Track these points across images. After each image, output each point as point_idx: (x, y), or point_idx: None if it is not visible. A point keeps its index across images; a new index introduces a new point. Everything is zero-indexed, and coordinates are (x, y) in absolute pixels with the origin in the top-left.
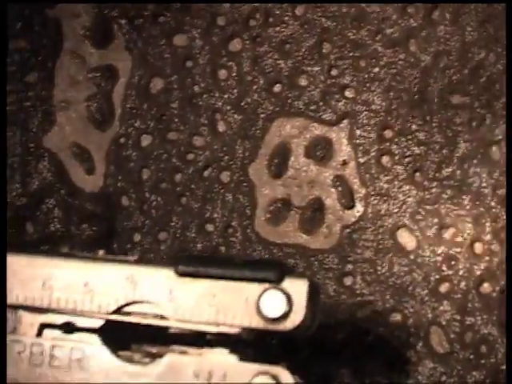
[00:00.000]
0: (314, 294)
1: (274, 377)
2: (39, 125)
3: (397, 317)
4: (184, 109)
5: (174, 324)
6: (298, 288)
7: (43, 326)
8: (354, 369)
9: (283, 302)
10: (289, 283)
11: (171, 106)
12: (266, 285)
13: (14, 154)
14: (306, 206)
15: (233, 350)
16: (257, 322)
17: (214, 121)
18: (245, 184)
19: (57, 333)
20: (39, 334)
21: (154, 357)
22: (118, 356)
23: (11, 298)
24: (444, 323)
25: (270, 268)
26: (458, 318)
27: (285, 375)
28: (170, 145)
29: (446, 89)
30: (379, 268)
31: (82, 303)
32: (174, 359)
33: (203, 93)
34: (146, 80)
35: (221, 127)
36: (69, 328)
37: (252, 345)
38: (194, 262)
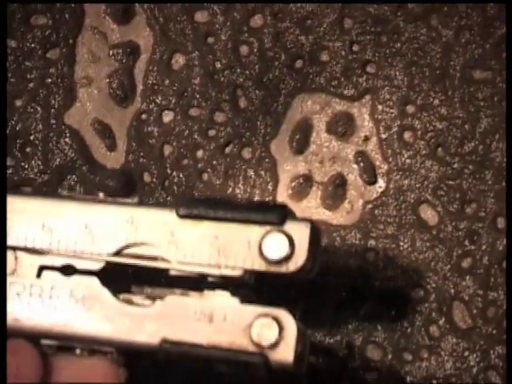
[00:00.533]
0: (315, 237)
1: (275, 319)
2: (61, 101)
3: (419, 292)
4: (205, 85)
5: (175, 266)
6: (300, 230)
7: (42, 268)
8: (376, 343)
9: (285, 245)
10: (291, 226)
11: (193, 82)
12: (269, 227)
13: (35, 131)
14: (327, 182)
15: (234, 293)
16: (259, 264)
17: (235, 97)
18: (266, 160)
19: (56, 275)
20: (38, 275)
21: (155, 299)
22: (118, 298)
23: (11, 240)
24: (467, 298)
25: (272, 210)
26: (481, 293)
27: (286, 317)
28: (191, 121)
29: (467, 64)
30: (401, 243)
31: (83, 245)
32: (174, 301)
33: (225, 69)
34: (167, 56)
35: (242, 103)
36: (68, 270)
37: (253, 288)
38: (196, 204)
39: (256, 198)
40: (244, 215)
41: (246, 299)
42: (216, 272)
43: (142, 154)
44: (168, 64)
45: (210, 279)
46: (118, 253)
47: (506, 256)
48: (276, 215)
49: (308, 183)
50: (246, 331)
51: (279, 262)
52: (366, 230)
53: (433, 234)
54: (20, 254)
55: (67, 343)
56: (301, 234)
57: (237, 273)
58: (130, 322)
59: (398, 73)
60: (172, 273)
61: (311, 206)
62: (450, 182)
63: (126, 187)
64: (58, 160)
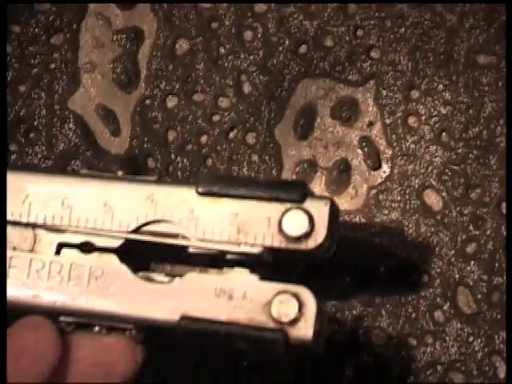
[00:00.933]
0: (334, 214)
1: (295, 295)
2: (65, 87)
3: (424, 277)
4: (209, 70)
5: (194, 243)
6: (320, 208)
7: (61, 246)
8: (381, 328)
9: (305, 222)
10: (311, 203)
11: (197, 68)
12: (289, 205)
13: (39, 117)
14: (332, 167)
15: (253, 270)
16: (279, 241)
17: (239, 82)
18: (271, 145)
19: (75, 252)
20: (57, 253)
21: (174, 276)
22: (137, 275)
23: (30, 217)
24: (471, 283)
25: (292, 188)
26: (485, 278)
27: (305, 294)
28: (195, 106)
29: (472, 48)
30: (406, 229)
31: (102, 222)
32: (194, 278)
33: (229, 54)
34: (171, 41)
35: (246, 88)
36: (87, 247)
37: (272, 266)
38: (216, 181)
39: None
40: (264, 193)
41: (264, 276)
42: (235, 249)
43: (146, 139)
44: (172, 49)
45: (228, 257)
46: (137, 230)
47: (506, 244)
48: (296, 193)
49: (312, 168)
50: (265, 308)
51: (299, 239)
52: (370, 215)
53: (437, 219)
54: (39, 231)
55: (86, 320)
56: (320, 211)
57: (256, 250)
58: (149, 299)
59: (402, 58)
60: (191, 250)
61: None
62: (455, 167)
63: (130, 173)
64: (62, 145)
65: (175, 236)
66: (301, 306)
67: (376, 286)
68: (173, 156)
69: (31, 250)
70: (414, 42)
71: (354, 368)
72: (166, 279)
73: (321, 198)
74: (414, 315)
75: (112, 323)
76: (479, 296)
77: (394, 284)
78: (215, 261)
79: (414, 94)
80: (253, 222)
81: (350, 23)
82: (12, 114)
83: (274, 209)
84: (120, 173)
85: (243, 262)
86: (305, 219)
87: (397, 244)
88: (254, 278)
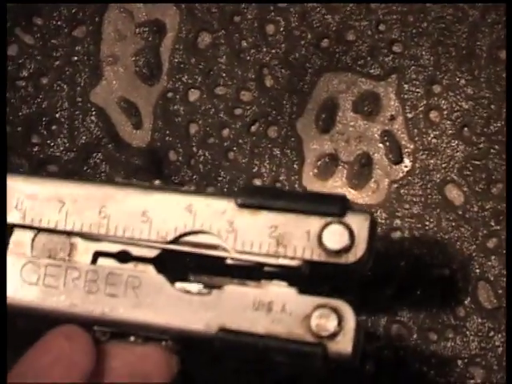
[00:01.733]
0: (373, 229)
1: (334, 309)
2: (87, 79)
3: (445, 272)
4: (232, 63)
5: (233, 255)
6: (360, 222)
7: (98, 254)
8: (402, 322)
9: (346, 236)
10: (351, 217)
11: (219, 61)
12: (329, 218)
13: (61, 109)
14: (353, 161)
15: (292, 283)
16: (318, 255)
17: (261, 76)
18: (292, 139)
19: (111, 261)
20: (93, 262)
21: (212, 287)
22: (175, 286)
23: (67, 225)
24: (492, 278)
25: (332, 201)
26: (506, 273)
27: (344, 308)
28: (217, 99)
29: (494, 44)
30: (427, 223)
31: (140, 232)
32: (232, 290)
33: (251, 48)
34: (193, 34)
35: (268, 82)
36: (123, 257)
37: (310, 279)
38: (256, 193)
39: (282, 178)
40: (304, 206)
41: (303, 289)
42: (274, 262)
43: (167, 132)
44: (194, 42)
45: (267, 269)
46: (175, 240)
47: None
48: (337, 206)
49: (334, 162)
50: (304, 321)
51: (339, 253)
52: (391, 210)
53: (458, 213)
54: (75, 239)
55: (121, 330)
56: (361, 225)
57: (295, 263)
58: (186, 310)
59: (424, 52)
60: (229, 262)
61: (337, 186)
62: (476, 162)
63: (151, 166)
64: (84, 138)
65: (214, 247)
66: (340, 320)
67: (397, 281)
68: (194, 149)
69: (67, 259)
70: (436, 37)
71: (375, 362)
72: (204, 291)
73: (361, 212)
74: (434, 310)
75: (148, 333)
76: (500, 291)
77: (415, 278)
78: (253, 273)
79: (436, 88)
80: (292, 235)
81: (372, 18)
82: (34, 106)
83: (313, 222)
84: (157, 182)
85: (282, 275)
86: (345, 233)
87: (418, 238)
88: (292, 291)
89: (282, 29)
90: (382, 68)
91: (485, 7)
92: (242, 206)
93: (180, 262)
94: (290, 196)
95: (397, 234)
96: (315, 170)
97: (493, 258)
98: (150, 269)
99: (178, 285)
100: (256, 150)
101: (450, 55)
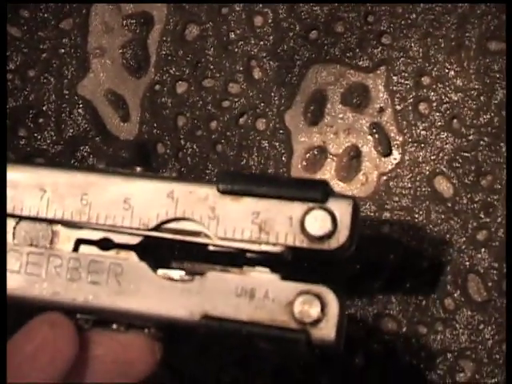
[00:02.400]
0: (356, 214)
1: (317, 295)
2: (74, 72)
3: (434, 265)
4: (220, 56)
5: (215, 242)
6: (342, 208)
7: (80, 242)
8: (391, 316)
9: (328, 222)
10: (334, 203)
11: (207, 53)
12: (311, 204)
13: (48, 102)
14: (342, 154)
15: (274, 269)
16: (301, 241)
17: (249, 68)
18: (281, 131)
19: (93, 249)
20: (75, 249)
21: (194, 274)
22: (157, 273)
23: (49, 213)
24: (482, 271)
25: (315, 187)
26: (496, 265)
27: (328, 294)
28: (205, 92)
29: (483, 35)
30: (416, 216)
31: (122, 219)
32: (215, 276)
33: (239, 40)
34: (181, 27)
35: (256, 74)
36: (106, 244)
37: (292, 265)
38: (238, 179)
39: (270, 170)
40: (286, 192)
41: (286, 276)
42: (257, 248)
43: (155, 124)
44: (182, 34)
45: (249, 255)
46: (157, 227)
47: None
48: (319, 192)
49: (322, 155)
50: (287, 308)
51: (321, 239)
52: (380, 202)
53: (448, 206)
54: (57, 227)
55: (104, 318)
56: (343, 211)
57: (278, 249)
58: (169, 297)
59: (413, 44)
60: (211, 248)
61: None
62: (466, 154)
63: (139, 158)
64: (71, 131)
65: (196, 234)
66: (323, 306)
67: (386, 274)
68: (182, 142)
69: (49, 247)
70: (425, 28)
71: (364, 356)
72: (186, 277)
73: (343, 197)
74: (424, 303)
75: (131, 321)
76: (490, 284)
77: (404, 271)
78: (236, 259)
79: (425, 80)
80: (275, 221)
81: (360, 9)
82: (21, 99)
83: (296, 208)
84: (138, 169)
85: (264, 261)
86: (327, 219)
87: (407, 231)
88: (275, 278)
89: (270, 20)
90: (370, 60)
91: None
92: (223, 192)
93: (162, 249)
94: (273, 182)
95: (386, 227)
96: (304, 163)
97: (482, 250)
98: (133, 256)
99: (161, 272)
100: (244, 142)
101: (439, 47)
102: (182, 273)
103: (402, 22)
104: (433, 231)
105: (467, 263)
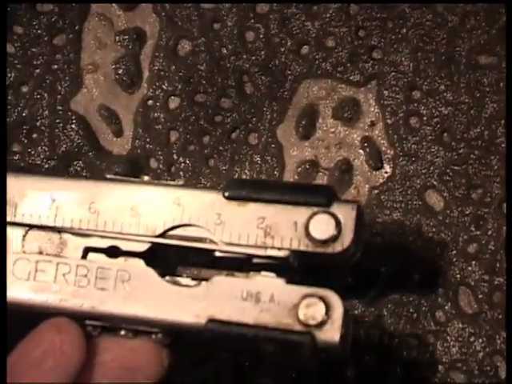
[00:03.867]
0: (361, 218)
1: (322, 298)
2: (67, 88)
3: (425, 278)
4: (212, 71)
5: (221, 247)
6: (346, 212)
7: (88, 250)
8: (382, 328)
9: (332, 226)
10: (338, 207)
11: (199, 68)
12: (316, 208)
13: (42, 117)
14: (333, 168)
15: (280, 274)
16: (305, 245)
17: (241, 83)
18: (273, 146)
19: (101, 256)
20: (84, 257)
21: (201, 280)
22: (164, 279)
23: (57, 221)
24: (473, 283)
25: (319, 192)
26: (487, 278)
27: (332, 297)
28: (197, 107)
29: (473, 49)
30: (407, 229)
31: (129, 226)
32: (220, 281)
33: (231, 55)
34: (173, 42)
35: (248, 89)
36: (113, 252)
37: (298, 270)
38: (242, 185)
39: None
40: (290, 197)
41: (291, 280)
42: (262, 253)
43: (148, 139)
44: (174, 50)
45: (255, 260)
46: (164, 234)
47: (506, 242)
48: (323, 196)
49: (314, 169)
50: (292, 311)
51: (326, 243)
52: (372, 216)
53: (439, 219)
54: (66, 235)
55: (112, 324)
56: (347, 215)
57: (283, 254)
58: (175, 303)
59: (403, 58)
60: (218, 254)
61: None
62: (456, 168)
63: (132, 173)
64: (65, 146)
65: (202, 240)
66: (328, 309)
67: (377, 286)
68: (175, 156)
69: (58, 254)
70: (416, 43)
71: (356, 368)
72: (193, 283)
73: (348, 201)
74: (415, 315)
75: (138, 327)
76: (480, 296)
77: (396, 284)
78: (242, 264)
79: (416, 94)
80: (279, 226)
81: (351, 24)
82: (15, 114)
83: (300, 213)
84: (146, 178)
85: (270, 266)
86: (332, 223)
87: (398, 244)
88: (280, 282)
89: (261, 36)
90: (361, 74)
91: (464, 12)
92: (229, 198)
93: (169, 256)
94: (277, 187)
95: (377, 240)
96: (296, 177)
97: (473, 263)
98: (140, 263)
99: (168, 278)
100: (236, 156)
101: (430, 61)
102: (189, 278)
103: (393, 37)
104: (424, 244)
105: (458, 276)
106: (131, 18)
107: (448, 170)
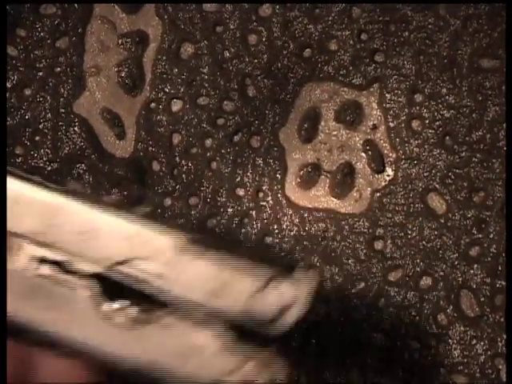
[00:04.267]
0: (316, 288)
1: (264, 364)
2: (70, 90)
3: (427, 280)
4: (214, 74)
5: (168, 296)
6: (304, 281)
7: (42, 261)
8: (384, 331)
9: (288, 294)
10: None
11: (201, 71)
12: (271, 275)
13: (44, 120)
14: (336, 171)
15: (228, 329)
16: (253, 312)
17: (244, 86)
18: (275, 149)
19: (53, 269)
20: (36, 268)
21: (141, 322)
22: (104, 309)
23: (15, 227)
24: (474, 287)
25: (276, 260)
26: (489, 281)
27: (275, 362)
28: (200, 110)
29: (475, 52)
30: (409, 232)
31: (80, 249)
32: (166, 326)
33: (233, 58)
34: (176, 45)
35: (251, 92)
36: (65, 267)
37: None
38: (200, 240)
39: (265, 187)
40: (246, 261)
41: (239, 336)
42: (210, 310)
43: (150, 142)
44: (177, 53)
45: (198, 314)
46: (111, 267)
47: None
48: (281, 265)
49: (316, 172)
50: (234, 372)
51: (275, 315)
52: (374, 219)
53: (441, 222)
54: (19, 240)
55: (47, 341)
56: (305, 284)
57: (231, 314)
58: (110, 339)
59: (406, 62)
60: (164, 298)
61: (319, 195)
62: (458, 171)
63: (134, 176)
64: (67, 149)
65: (150, 283)
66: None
67: (379, 289)
68: (177, 159)
69: (9, 261)
70: (418, 46)
71: (358, 370)
72: (129, 323)
73: (305, 271)
74: (417, 318)
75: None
76: (482, 299)
77: (398, 287)
78: (186, 314)
79: (418, 97)
80: (230, 288)
81: (354, 27)
82: (17, 117)
83: (251, 279)
84: (114, 196)
85: (218, 321)
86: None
87: (400, 247)
88: (226, 339)
89: (264, 39)
90: (364, 77)
91: (466, 16)
92: (183, 249)
93: (117, 284)
94: (233, 249)
95: (379, 243)
96: (298, 180)
97: (475, 266)
98: (87, 284)
99: (108, 308)
100: (239, 159)
101: (432, 64)
102: (134, 310)
103: (395, 40)
104: (426, 247)
105: (460, 279)
106: (134, 21)
107: (450, 173)
